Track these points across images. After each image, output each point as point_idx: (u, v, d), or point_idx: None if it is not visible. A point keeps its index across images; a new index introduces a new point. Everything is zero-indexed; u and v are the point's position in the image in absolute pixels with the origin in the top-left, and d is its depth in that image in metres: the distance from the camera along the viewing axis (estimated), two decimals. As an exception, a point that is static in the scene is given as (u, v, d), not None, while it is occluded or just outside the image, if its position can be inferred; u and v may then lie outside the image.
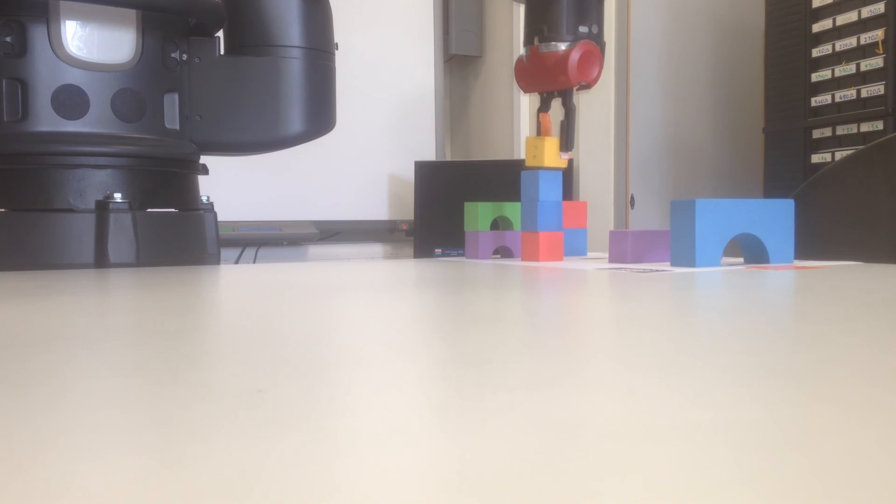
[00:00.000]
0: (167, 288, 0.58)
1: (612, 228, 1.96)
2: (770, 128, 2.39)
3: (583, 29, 0.87)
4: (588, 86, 0.88)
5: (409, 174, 3.26)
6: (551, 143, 0.87)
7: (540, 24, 0.87)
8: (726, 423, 0.18)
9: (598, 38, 0.90)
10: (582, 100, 2.82)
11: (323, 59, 1.11)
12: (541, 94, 0.92)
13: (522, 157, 3.19)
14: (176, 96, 1.02)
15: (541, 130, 0.90)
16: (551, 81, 0.88)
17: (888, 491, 0.13)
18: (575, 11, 0.87)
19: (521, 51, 0.92)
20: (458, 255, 2.94)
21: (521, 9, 3.58)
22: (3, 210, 0.92)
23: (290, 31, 1.08)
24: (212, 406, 0.20)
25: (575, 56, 0.85)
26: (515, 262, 0.87)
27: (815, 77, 2.24)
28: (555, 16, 0.86)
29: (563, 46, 0.86)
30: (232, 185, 2.92)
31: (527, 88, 0.91)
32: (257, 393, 0.22)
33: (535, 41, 0.87)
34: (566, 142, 0.88)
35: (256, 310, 0.43)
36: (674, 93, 2.86)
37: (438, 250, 2.96)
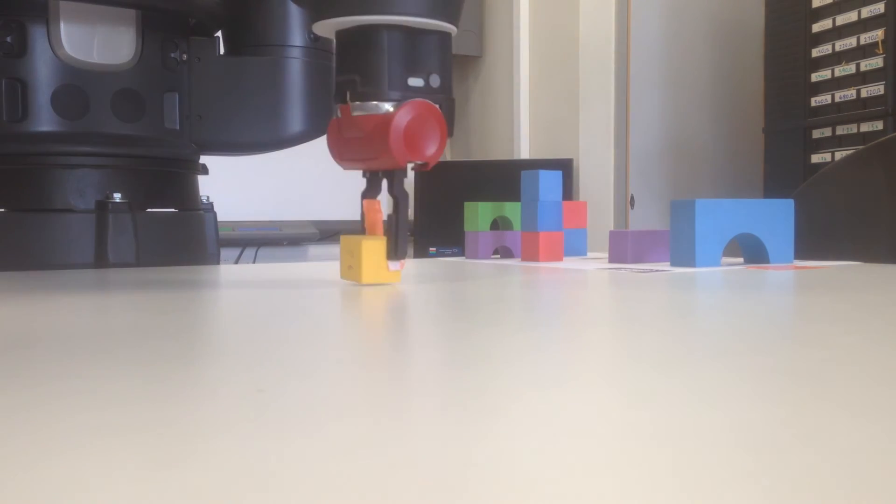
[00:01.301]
0: (167, 288, 0.58)
1: (612, 228, 1.96)
2: (770, 128, 2.39)
3: (414, 82, 0.59)
4: (425, 165, 0.59)
5: (409, 174, 3.26)
6: (371, 249, 0.57)
7: (351, 73, 0.59)
8: (726, 423, 0.18)
9: (436, 94, 0.60)
10: (582, 99, 2.82)
11: (323, 59, 1.11)
12: (363, 171, 0.62)
13: (522, 157, 3.19)
14: (176, 96, 1.02)
15: (365, 223, 0.61)
16: (371, 158, 0.59)
17: (889, 491, 0.13)
18: (402, 56, 0.59)
19: (335, 111, 0.62)
20: (453, 253, 2.94)
21: (522, 8, 3.54)
22: (3, 210, 0.92)
23: (290, 31, 1.08)
24: (212, 406, 0.20)
25: (399, 123, 0.57)
26: (515, 262, 0.87)
27: (815, 77, 2.24)
28: (373, 62, 0.58)
29: (387, 106, 0.58)
30: (232, 185, 2.91)
31: (344, 163, 0.62)
32: (257, 393, 0.22)
33: (347, 97, 0.59)
34: (394, 247, 0.59)
35: (256, 310, 0.43)
36: (674, 93, 2.86)
37: (433, 249, 2.95)
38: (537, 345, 0.29)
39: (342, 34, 0.60)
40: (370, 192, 0.61)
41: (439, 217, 2.97)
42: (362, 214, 0.62)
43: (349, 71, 0.59)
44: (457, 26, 0.60)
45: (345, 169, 0.62)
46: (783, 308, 0.41)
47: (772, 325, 0.34)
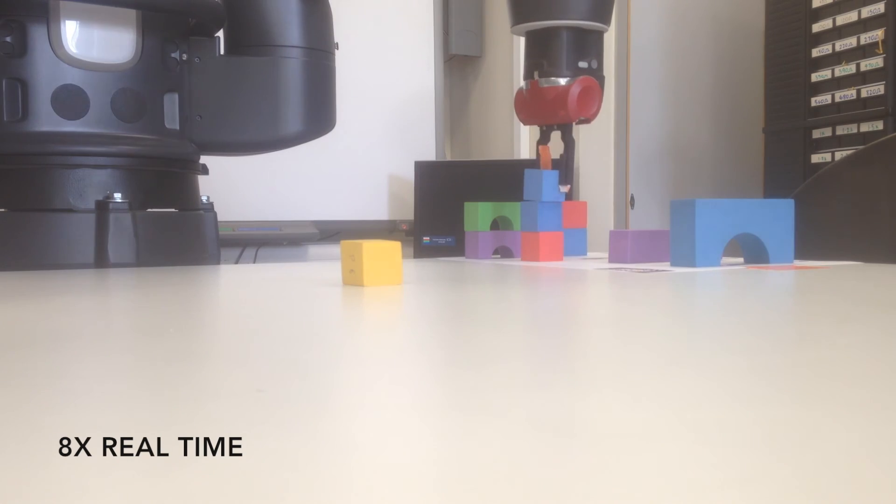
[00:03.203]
0: (167, 288, 0.58)
1: (612, 228, 1.96)
2: (770, 128, 2.39)
3: (582, 64, 0.88)
4: (587, 120, 0.90)
5: (409, 174, 3.26)
6: (372, 253, 0.59)
7: (540, 58, 0.88)
8: (726, 422, 0.18)
9: (597, 73, 0.92)
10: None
11: (323, 59, 1.11)
12: (540, 126, 0.93)
13: (522, 157, 3.19)
14: (176, 96, 1.02)
15: (540, 162, 0.91)
16: (551, 115, 0.89)
17: (887, 491, 0.13)
18: (575, 47, 0.88)
19: (521, 83, 0.93)
20: (447, 243, 2.94)
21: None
22: (3, 210, 0.92)
23: (289, 31, 1.08)
24: (212, 406, 0.20)
25: (574, 91, 0.86)
26: (515, 262, 0.87)
27: (815, 77, 2.24)
28: (555, 51, 0.87)
29: (562, 81, 0.88)
30: (232, 185, 2.91)
31: (526, 121, 0.93)
32: (257, 393, 0.22)
33: (535, 75, 0.89)
34: (565, 175, 0.88)
35: (256, 310, 0.43)
36: (674, 93, 2.86)
37: (427, 238, 2.95)
38: (537, 345, 0.29)
39: (533, 32, 0.90)
40: (543, 139, 0.93)
41: (440, 217, 2.97)
42: (538, 154, 0.92)
43: (538, 56, 0.89)
44: (608, 25, 0.89)
45: (525, 125, 0.95)
46: (783, 308, 0.41)
47: (772, 326, 0.34)
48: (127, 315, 0.41)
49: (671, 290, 0.52)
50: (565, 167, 0.89)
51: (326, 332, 0.34)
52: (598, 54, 0.92)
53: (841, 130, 2.18)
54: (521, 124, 3.21)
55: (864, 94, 2.11)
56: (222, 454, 0.16)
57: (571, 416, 0.19)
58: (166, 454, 0.16)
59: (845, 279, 0.59)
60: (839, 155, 2.15)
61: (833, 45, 2.19)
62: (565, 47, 0.87)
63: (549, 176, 0.90)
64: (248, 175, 2.96)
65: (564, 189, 0.87)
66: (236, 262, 2.71)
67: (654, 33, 2.81)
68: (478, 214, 0.96)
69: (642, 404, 0.20)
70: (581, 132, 2.92)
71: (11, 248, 0.91)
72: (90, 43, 0.95)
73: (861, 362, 0.25)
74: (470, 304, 0.44)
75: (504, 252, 1.00)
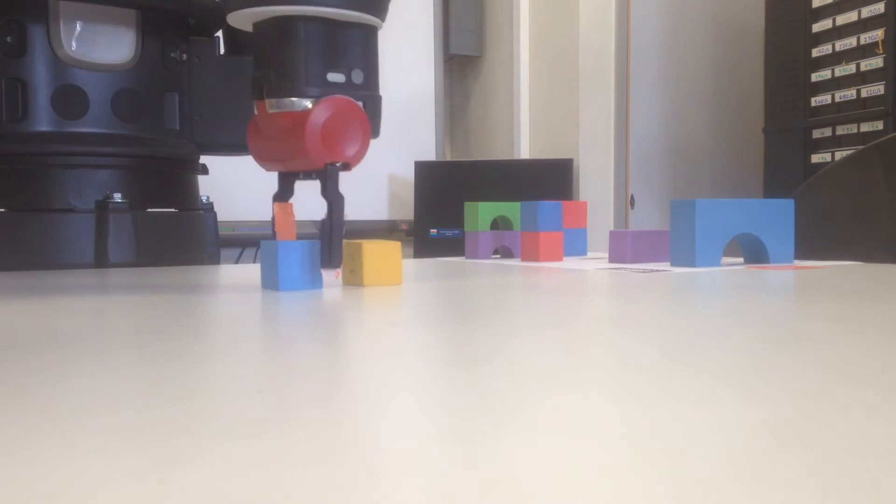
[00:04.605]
0: (167, 288, 0.58)
1: (612, 228, 1.96)
2: (770, 128, 2.39)
3: (334, 77, 0.56)
4: (348, 166, 0.56)
5: (409, 174, 3.26)
6: (372, 253, 0.56)
7: (267, 68, 0.56)
8: (726, 422, 0.18)
9: (361, 90, 0.57)
10: (582, 99, 2.82)
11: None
12: (280, 172, 0.59)
13: (522, 157, 3.19)
14: (176, 96, 1.02)
15: (274, 226, 0.57)
16: (288, 157, 0.56)
17: (888, 491, 0.13)
18: (320, 50, 0.55)
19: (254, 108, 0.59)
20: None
21: (522, 8, 3.54)
22: (3, 210, 0.92)
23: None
24: (212, 406, 0.20)
25: (316, 120, 0.53)
26: (515, 262, 0.87)
27: (815, 77, 2.24)
28: (288, 56, 0.55)
29: (306, 103, 0.54)
30: (232, 185, 2.91)
31: (264, 164, 0.59)
32: (257, 393, 0.22)
33: (263, 94, 0.56)
34: (328, 254, 0.55)
35: (256, 310, 0.43)
36: (674, 93, 2.86)
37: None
38: (537, 345, 0.29)
39: (259, 26, 0.56)
40: (281, 194, 0.57)
41: (440, 217, 2.97)
42: (273, 219, 0.57)
43: (265, 66, 0.56)
44: (382, 20, 0.57)
45: (267, 170, 0.59)
46: (783, 308, 0.41)
47: (772, 325, 0.34)
48: (127, 315, 0.41)
49: (671, 290, 0.52)
50: (329, 241, 0.54)
51: (326, 331, 0.34)
52: (367, 61, 0.58)
53: (841, 130, 2.18)
54: (522, 124, 3.21)
55: (864, 94, 2.11)
56: (222, 454, 0.16)
57: (572, 416, 0.19)
58: (166, 454, 0.16)
59: (845, 279, 0.59)
60: (839, 155, 2.15)
61: (833, 45, 2.19)
62: (304, 51, 0.55)
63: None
64: (248, 175, 2.96)
65: (330, 276, 0.55)
66: (236, 262, 2.70)
67: (654, 33, 2.81)
68: (478, 214, 0.96)
69: (643, 404, 0.20)
70: (581, 132, 2.92)
71: (11, 248, 0.91)
72: (90, 43, 0.95)
73: (861, 362, 0.25)
74: (470, 304, 0.44)
75: (504, 252, 1.00)
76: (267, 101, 0.56)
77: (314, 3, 0.54)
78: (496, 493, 0.13)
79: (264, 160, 0.58)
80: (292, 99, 0.55)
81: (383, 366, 0.26)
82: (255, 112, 0.57)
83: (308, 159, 0.54)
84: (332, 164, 0.55)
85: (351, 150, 0.55)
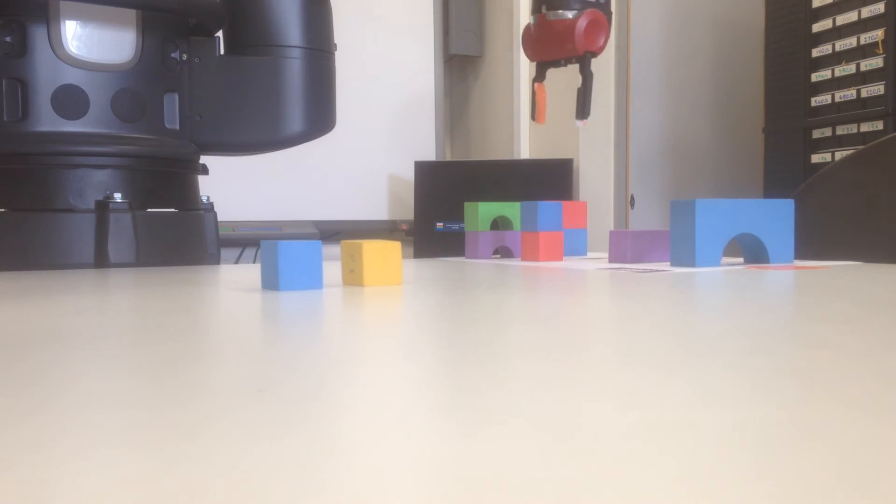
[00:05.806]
0: (167, 288, 0.58)
1: (612, 228, 1.96)
2: (770, 128, 2.39)
3: None
4: (594, 54, 0.91)
5: (409, 174, 3.26)
6: (372, 253, 0.59)
7: None
8: (726, 423, 0.18)
9: (605, 8, 0.93)
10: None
11: (323, 59, 1.11)
12: (542, 63, 0.95)
13: (522, 157, 3.19)
14: (176, 96, 1.02)
15: (535, 100, 0.94)
16: (558, 49, 0.91)
17: (889, 491, 0.13)
18: None
19: (529, 19, 0.96)
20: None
21: (522, 8, 3.57)
22: (3, 210, 0.92)
23: (290, 31, 1.08)
24: (212, 406, 0.20)
25: (582, 24, 0.88)
26: (515, 262, 0.87)
27: (815, 77, 2.24)
28: None
29: (570, 14, 0.89)
30: (232, 185, 2.92)
31: (533, 56, 0.94)
32: (257, 393, 0.22)
33: (543, 9, 0.91)
34: (582, 108, 0.91)
35: (256, 309, 0.43)
36: (674, 93, 2.86)
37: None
38: (537, 345, 0.29)
39: None
40: (539, 76, 0.95)
41: (440, 217, 2.97)
42: (533, 93, 0.94)
43: None
44: None
45: (532, 60, 0.95)
46: (783, 308, 0.41)
47: (772, 325, 0.34)
48: (127, 315, 0.41)
49: (671, 290, 0.52)
50: (583, 100, 0.91)
51: (326, 331, 0.34)
52: None
53: (841, 130, 2.18)
54: (522, 124, 3.21)
55: (864, 94, 2.11)
56: (223, 454, 0.16)
57: (572, 417, 0.19)
58: (166, 454, 0.16)
59: (845, 279, 0.59)
60: (839, 155, 2.15)
61: (833, 45, 2.19)
62: None
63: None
64: (248, 175, 2.97)
65: (581, 123, 0.91)
66: (236, 262, 2.70)
67: (654, 33, 2.81)
68: (478, 214, 0.96)
69: (643, 404, 0.20)
70: (581, 132, 2.92)
71: (11, 248, 0.91)
72: (90, 43, 0.95)
73: (861, 362, 0.25)
74: (470, 304, 0.44)
75: (504, 252, 1.00)
76: (547, 13, 0.91)
77: None
78: (497, 493, 0.13)
79: (536, 53, 0.94)
80: (565, 11, 0.90)
81: (383, 366, 0.26)
82: (533, 22, 0.94)
83: (573, 48, 0.89)
84: (588, 51, 0.90)
85: (599, 43, 0.91)
